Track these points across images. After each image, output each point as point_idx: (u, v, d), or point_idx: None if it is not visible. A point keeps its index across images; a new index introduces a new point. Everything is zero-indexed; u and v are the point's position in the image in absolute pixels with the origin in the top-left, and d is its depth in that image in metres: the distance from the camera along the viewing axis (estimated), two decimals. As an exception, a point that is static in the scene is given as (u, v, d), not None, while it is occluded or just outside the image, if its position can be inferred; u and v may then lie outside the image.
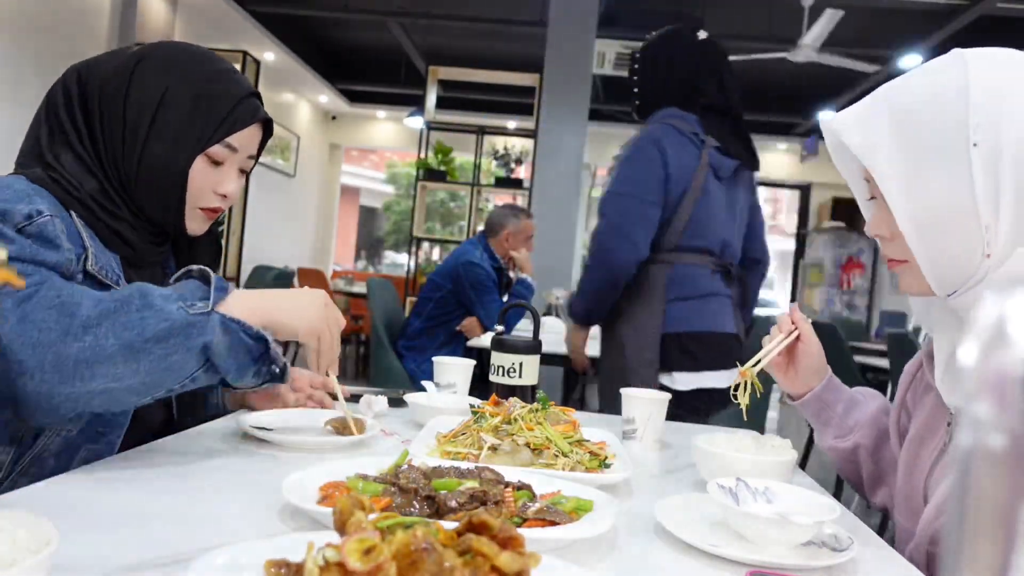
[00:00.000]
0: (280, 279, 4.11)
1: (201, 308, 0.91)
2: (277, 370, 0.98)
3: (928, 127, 0.85)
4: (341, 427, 1.12)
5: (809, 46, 5.45)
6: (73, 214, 1.02)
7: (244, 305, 0.96)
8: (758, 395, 1.11)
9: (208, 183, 1.10)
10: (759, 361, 1.12)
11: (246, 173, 1.17)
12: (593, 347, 3.43)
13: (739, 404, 1.11)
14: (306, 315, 1.01)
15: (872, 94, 0.93)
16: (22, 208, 0.93)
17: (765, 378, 1.15)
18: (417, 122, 6.94)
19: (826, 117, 0.96)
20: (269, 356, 0.96)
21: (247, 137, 1.12)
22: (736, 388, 1.11)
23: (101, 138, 1.05)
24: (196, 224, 1.13)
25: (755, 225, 2.35)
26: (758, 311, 3.58)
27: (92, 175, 1.04)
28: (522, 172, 6.01)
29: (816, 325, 4.10)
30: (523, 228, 3.65)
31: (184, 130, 1.06)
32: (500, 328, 1.52)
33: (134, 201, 1.07)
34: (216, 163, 1.09)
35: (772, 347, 1.13)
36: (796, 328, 1.13)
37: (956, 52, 0.89)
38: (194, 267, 0.99)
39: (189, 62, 1.09)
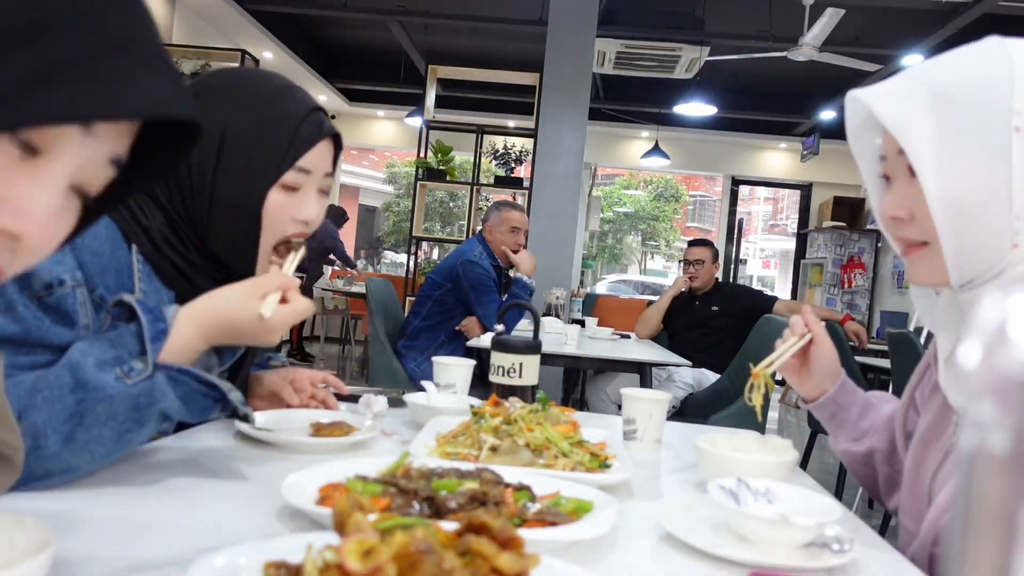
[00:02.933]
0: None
1: (141, 372, 0.82)
2: (242, 413, 0.89)
3: (970, 107, 0.82)
4: (318, 430, 1.11)
5: (810, 45, 5.44)
6: (134, 248, 0.97)
7: (192, 339, 0.89)
8: (769, 396, 1.11)
9: (286, 212, 1.03)
10: (772, 363, 1.11)
11: (326, 194, 1.10)
12: (592, 347, 3.43)
13: (751, 404, 1.11)
14: (273, 338, 0.93)
15: (908, 71, 0.90)
16: (45, 274, 0.86)
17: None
18: (416, 121, 6.94)
19: (856, 91, 0.93)
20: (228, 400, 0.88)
21: (318, 156, 1.05)
22: (750, 389, 1.11)
23: (166, 182, 1.00)
24: (264, 271, 1.05)
25: None
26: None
27: (161, 211, 1.00)
28: (522, 171, 6.01)
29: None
30: (504, 219, 3.62)
31: (251, 164, 1.00)
32: (500, 328, 1.52)
33: (206, 244, 1.03)
34: (292, 190, 1.03)
35: (785, 349, 1.12)
36: (809, 331, 1.12)
37: (996, 38, 0.87)
38: (125, 297, 0.89)
39: (243, 89, 1.03)
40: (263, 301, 0.91)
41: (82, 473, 0.82)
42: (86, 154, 0.49)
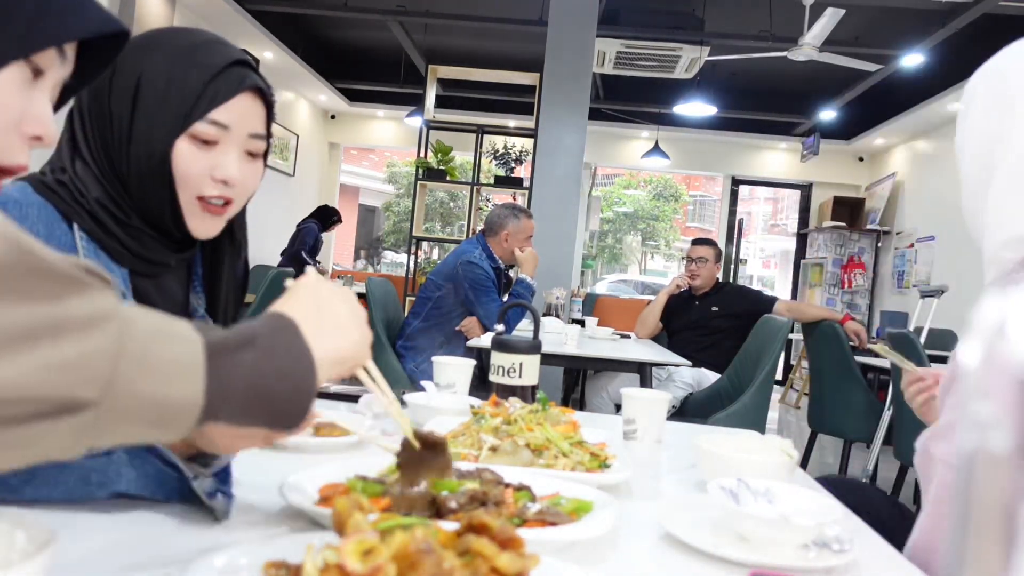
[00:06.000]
0: (279, 279, 4.12)
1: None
2: (210, 506, 0.77)
3: None
4: (318, 430, 1.11)
5: (810, 45, 5.44)
6: (75, 227, 0.94)
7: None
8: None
9: (200, 167, 0.97)
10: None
11: (258, 157, 1.03)
12: (592, 347, 3.43)
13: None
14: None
15: None
16: None
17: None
18: (417, 121, 6.94)
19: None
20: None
21: (239, 111, 0.98)
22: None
23: (96, 138, 0.98)
24: (198, 222, 0.99)
25: None
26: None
27: (98, 181, 0.97)
28: (522, 171, 6.00)
29: (817, 324, 4.05)
30: (523, 228, 3.64)
31: (160, 110, 0.95)
32: (500, 328, 1.52)
33: (135, 201, 0.98)
34: (206, 144, 0.97)
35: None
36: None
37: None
38: None
39: (166, 40, 1.00)
40: None
41: None
42: (62, 69, 0.64)
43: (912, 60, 6.37)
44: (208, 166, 0.97)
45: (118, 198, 0.98)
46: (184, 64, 0.97)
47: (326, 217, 8.09)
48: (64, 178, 0.96)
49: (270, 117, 1.04)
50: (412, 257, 6.28)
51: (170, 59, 0.97)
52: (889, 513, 1.29)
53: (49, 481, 0.76)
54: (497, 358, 1.40)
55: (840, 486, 1.24)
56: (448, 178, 6.00)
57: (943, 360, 2.79)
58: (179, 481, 0.78)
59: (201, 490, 0.76)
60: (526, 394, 1.38)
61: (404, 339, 3.55)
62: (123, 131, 0.97)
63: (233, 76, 0.98)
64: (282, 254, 7.90)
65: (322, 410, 1.23)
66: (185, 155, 0.96)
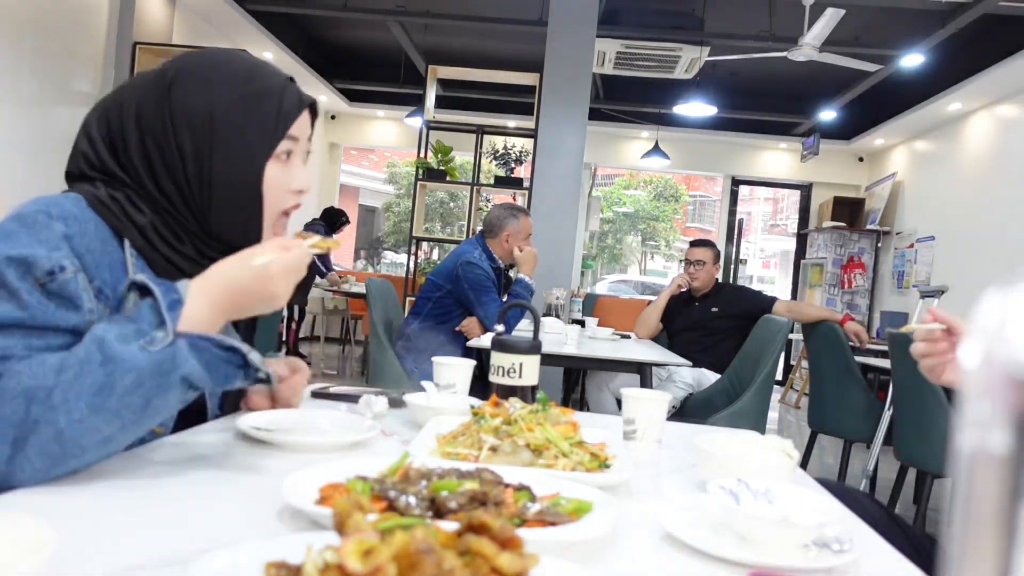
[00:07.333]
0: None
1: (163, 340, 0.85)
2: (263, 375, 0.92)
3: None
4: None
5: (810, 45, 5.44)
6: (127, 243, 0.99)
7: (204, 310, 0.91)
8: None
9: (282, 184, 1.07)
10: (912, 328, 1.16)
11: (306, 159, 1.15)
12: (592, 347, 3.43)
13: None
14: (278, 290, 0.94)
15: None
16: (45, 262, 0.88)
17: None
18: (417, 121, 6.94)
19: None
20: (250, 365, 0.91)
21: (301, 123, 1.09)
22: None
23: (152, 172, 1.02)
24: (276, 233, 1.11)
25: None
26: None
27: (149, 206, 1.02)
28: (522, 171, 6.00)
29: (816, 325, 4.04)
30: (523, 228, 3.64)
31: (245, 141, 1.03)
32: (500, 328, 1.52)
33: (210, 227, 1.04)
34: (284, 160, 1.07)
35: (923, 327, 1.15)
36: (944, 323, 1.14)
37: None
38: (136, 278, 0.93)
39: (219, 70, 1.05)
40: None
41: (116, 447, 0.84)
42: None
43: (912, 60, 6.37)
44: (286, 181, 1.08)
45: (172, 225, 1.03)
46: (251, 92, 1.05)
47: (334, 219, 8.01)
48: (118, 195, 1.00)
49: (314, 123, 1.15)
50: (412, 257, 6.28)
51: (236, 89, 1.04)
52: (888, 526, 1.28)
53: (129, 388, 0.82)
54: (497, 358, 1.40)
55: (836, 493, 1.24)
56: (448, 178, 6.00)
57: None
58: (228, 364, 0.89)
59: (257, 361, 0.90)
60: (526, 394, 1.38)
61: (404, 339, 3.55)
62: (201, 164, 1.03)
63: (294, 94, 1.09)
64: None
65: (322, 410, 1.24)
66: (272, 176, 1.06)
